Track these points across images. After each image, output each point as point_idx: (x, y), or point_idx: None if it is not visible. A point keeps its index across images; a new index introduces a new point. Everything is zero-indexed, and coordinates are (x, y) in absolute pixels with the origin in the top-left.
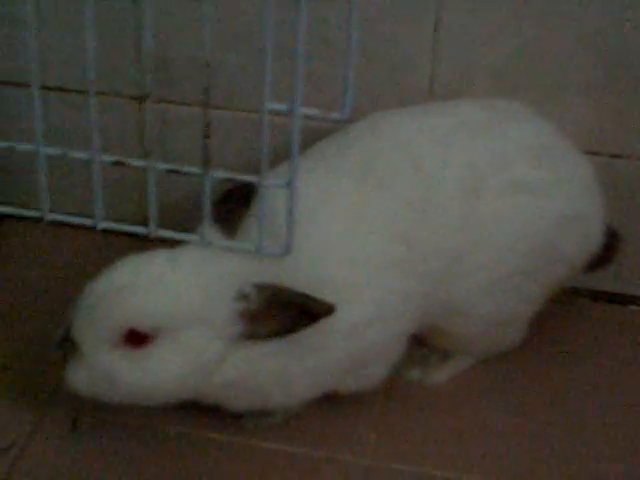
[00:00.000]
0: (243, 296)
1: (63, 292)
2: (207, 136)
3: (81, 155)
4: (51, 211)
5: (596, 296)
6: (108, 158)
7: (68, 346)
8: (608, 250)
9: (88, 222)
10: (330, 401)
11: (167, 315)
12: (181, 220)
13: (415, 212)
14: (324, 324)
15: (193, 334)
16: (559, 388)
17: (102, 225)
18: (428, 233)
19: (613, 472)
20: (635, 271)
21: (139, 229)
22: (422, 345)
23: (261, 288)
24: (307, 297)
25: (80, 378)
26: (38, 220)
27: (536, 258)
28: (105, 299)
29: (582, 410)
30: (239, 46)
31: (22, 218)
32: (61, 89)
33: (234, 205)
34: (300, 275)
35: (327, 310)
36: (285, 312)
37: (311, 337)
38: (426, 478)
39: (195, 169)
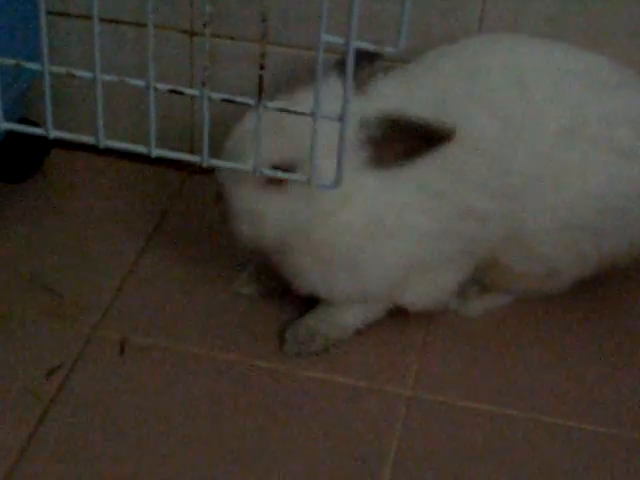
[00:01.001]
0: (366, 123)
1: (109, 221)
2: (262, 67)
3: (137, 82)
4: None
5: None
6: (163, 86)
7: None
8: None
9: (142, 149)
10: (372, 332)
11: (301, 146)
12: None
13: (507, 130)
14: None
15: (327, 163)
16: (598, 329)
17: (156, 152)
18: (516, 154)
19: None
20: None
21: (192, 157)
22: None
23: (382, 116)
24: (428, 122)
25: (241, 225)
26: (88, 149)
27: (607, 221)
28: (244, 144)
29: (618, 351)
30: None
31: (70, 149)
32: (115, 21)
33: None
34: None
35: (447, 134)
36: (406, 136)
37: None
38: (465, 410)
39: (248, 99)
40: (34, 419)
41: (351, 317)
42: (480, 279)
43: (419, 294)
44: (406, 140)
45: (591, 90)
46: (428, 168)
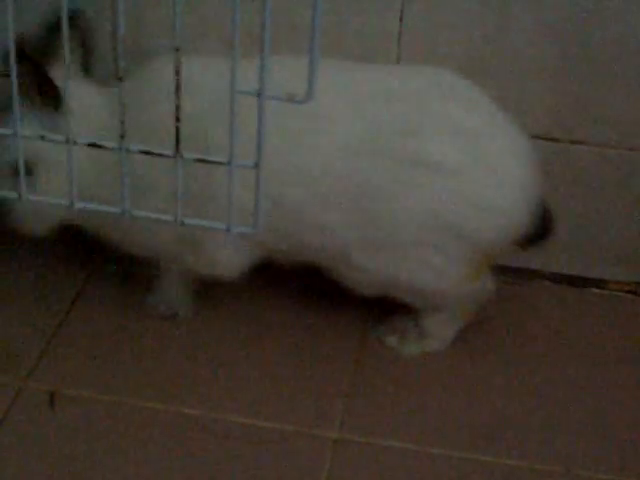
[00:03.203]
0: None
1: (39, 274)
2: (178, 119)
3: (57, 137)
4: None
5: (558, 279)
6: (83, 139)
7: None
8: (540, 229)
9: (65, 202)
10: (299, 374)
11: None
12: None
13: (286, 143)
14: None
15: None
16: (521, 369)
17: (78, 205)
18: (296, 169)
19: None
20: (594, 255)
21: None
22: (405, 316)
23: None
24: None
25: None
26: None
27: (433, 233)
28: None
29: (543, 390)
30: (209, 34)
31: None
32: None
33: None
34: None
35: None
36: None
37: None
38: (393, 451)
39: (167, 151)
40: None
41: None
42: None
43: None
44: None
45: (389, 104)
46: None
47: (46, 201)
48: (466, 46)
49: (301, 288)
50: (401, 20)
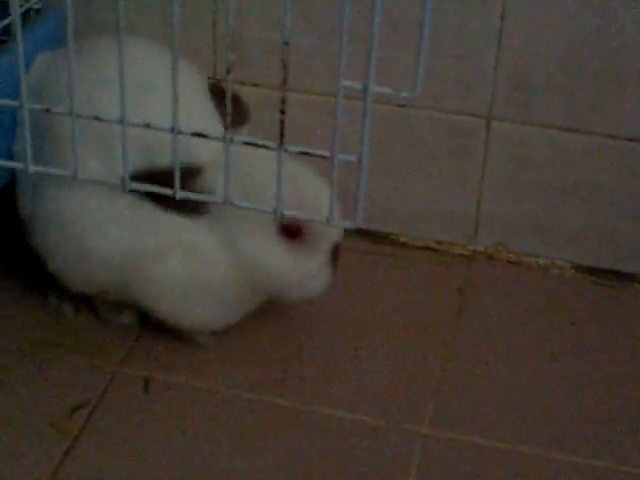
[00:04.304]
0: None
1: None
2: (283, 112)
3: (163, 128)
4: None
5: None
6: (188, 131)
7: None
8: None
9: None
10: (390, 369)
11: None
12: None
13: None
14: None
15: None
16: (614, 372)
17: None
18: None
19: None
20: None
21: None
22: None
23: None
24: None
25: None
26: None
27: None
28: None
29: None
30: (313, 28)
31: None
32: None
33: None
34: None
35: None
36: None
37: None
38: (483, 448)
39: (270, 143)
40: (59, 455)
41: None
42: None
43: None
44: None
45: None
46: None
47: None
48: (566, 46)
49: (394, 288)
50: (502, 19)
